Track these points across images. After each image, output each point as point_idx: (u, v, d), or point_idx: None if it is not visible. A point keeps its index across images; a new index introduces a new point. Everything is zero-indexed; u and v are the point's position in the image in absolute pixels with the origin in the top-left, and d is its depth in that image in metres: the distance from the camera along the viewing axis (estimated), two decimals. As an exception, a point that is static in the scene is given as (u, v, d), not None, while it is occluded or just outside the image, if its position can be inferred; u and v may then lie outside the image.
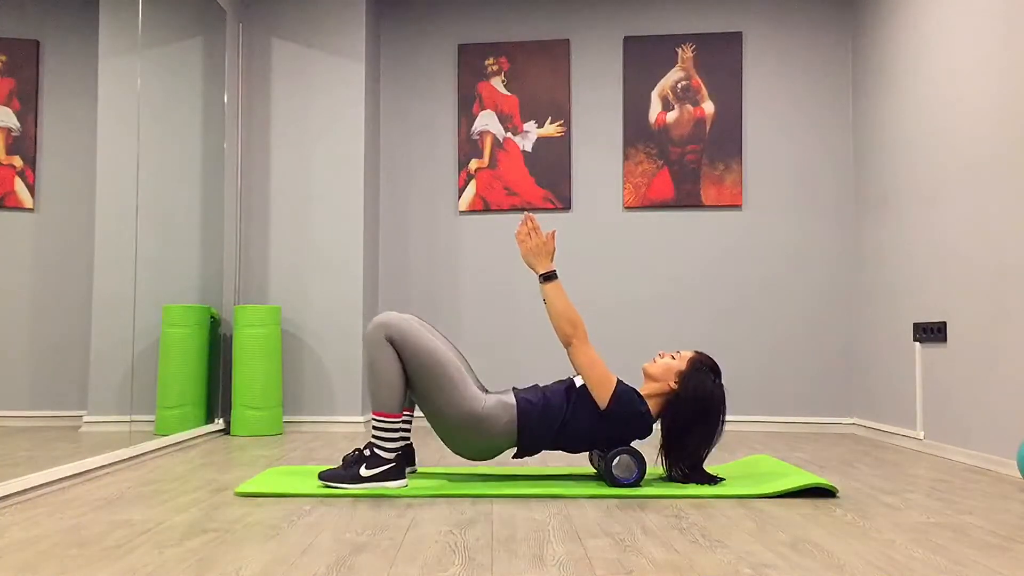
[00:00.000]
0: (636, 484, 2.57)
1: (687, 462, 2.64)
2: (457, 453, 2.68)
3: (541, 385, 2.74)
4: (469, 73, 4.71)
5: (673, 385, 2.64)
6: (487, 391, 2.65)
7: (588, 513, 2.24)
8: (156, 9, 3.53)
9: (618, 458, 2.57)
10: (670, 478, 2.68)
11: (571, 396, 2.63)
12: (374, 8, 4.69)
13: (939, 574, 1.66)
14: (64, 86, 2.95)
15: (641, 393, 2.66)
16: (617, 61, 4.67)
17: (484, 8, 4.75)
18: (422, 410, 2.65)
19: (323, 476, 2.58)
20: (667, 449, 2.66)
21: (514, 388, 2.71)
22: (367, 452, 2.58)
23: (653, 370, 2.68)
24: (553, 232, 2.67)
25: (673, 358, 2.68)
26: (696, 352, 2.70)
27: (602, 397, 2.57)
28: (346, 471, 2.57)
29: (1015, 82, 2.97)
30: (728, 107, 4.57)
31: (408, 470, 2.78)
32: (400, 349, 2.57)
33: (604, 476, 2.60)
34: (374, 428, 2.58)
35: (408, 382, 2.61)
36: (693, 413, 2.61)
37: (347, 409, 4.34)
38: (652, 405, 2.67)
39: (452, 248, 4.70)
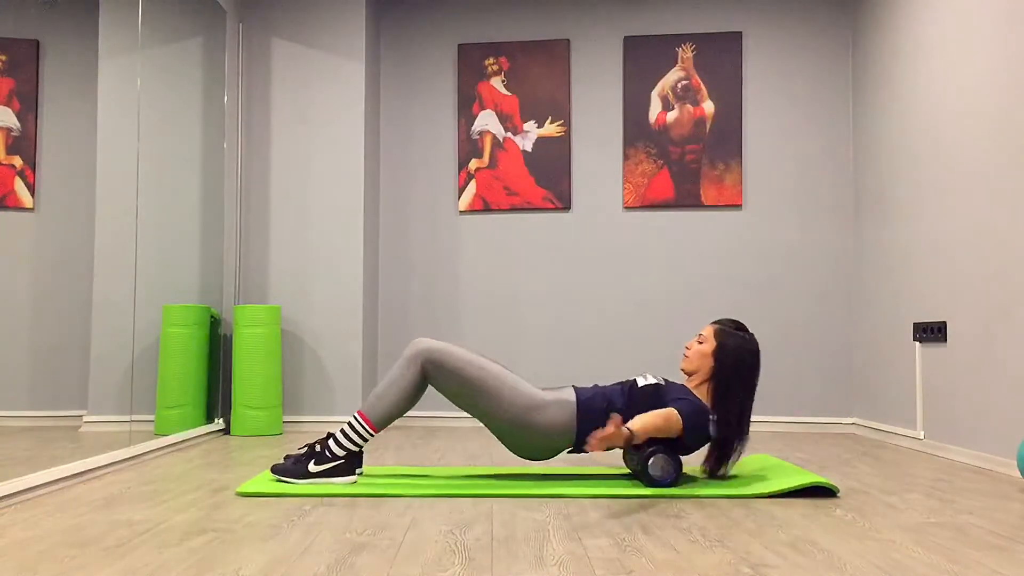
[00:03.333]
0: (673, 484, 2.57)
1: (735, 416, 2.63)
2: (519, 454, 2.73)
3: (600, 385, 2.78)
4: (469, 73, 4.71)
5: (713, 364, 2.66)
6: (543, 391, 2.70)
7: (588, 513, 2.24)
8: (156, 9, 3.53)
9: (653, 458, 2.57)
10: (717, 453, 2.66)
11: (634, 395, 2.66)
12: (374, 8, 4.69)
13: (939, 574, 1.66)
14: (64, 86, 2.95)
15: (690, 388, 2.70)
16: (617, 61, 4.67)
17: (484, 8, 4.75)
18: (485, 424, 2.70)
19: (274, 469, 2.65)
20: (716, 413, 2.65)
21: (574, 386, 2.75)
22: (317, 448, 2.64)
23: (690, 365, 2.72)
24: (614, 419, 2.38)
25: (700, 343, 2.71)
26: (713, 324, 2.74)
27: (677, 431, 2.55)
28: (295, 466, 2.62)
29: (1015, 82, 2.97)
30: (728, 107, 4.57)
31: (357, 470, 2.78)
32: (438, 370, 2.63)
33: (640, 476, 2.61)
34: (347, 425, 2.64)
35: (459, 400, 2.67)
36: (738, 373, 2.64)
37: (347, 409, 4.34)
38: (703, 393, 2.69)
39: (452, 248, 4.70)
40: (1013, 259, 2.97)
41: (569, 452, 2.73)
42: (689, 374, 2.73)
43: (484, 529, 2.04)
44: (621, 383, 2.74)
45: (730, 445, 2.66)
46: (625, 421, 2.64)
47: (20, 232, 2.85)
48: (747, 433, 2.67)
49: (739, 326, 2.72)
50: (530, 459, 2.74)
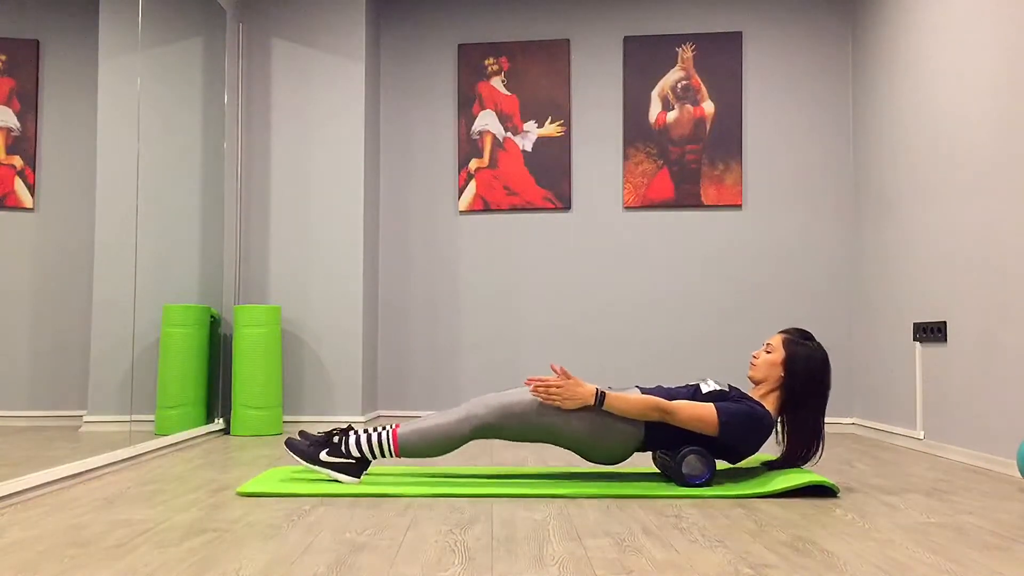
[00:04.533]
0: (706, 484, 2.57)
1: (808, 427, 2.64)
2: (597, 461, 2.71)
3: (665, 386, 2.77)
4: (469, 73, 4.71)
5: (782, 374, 2.66)
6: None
7: (588, 513, 2.24)
8: (156, 9, 3.53)
9: (688, 458, 2.57)
10: (786, 461, 2.68)
11: (697, 399, 2.65)
12: (374, 8, 4.69)
13: (939, 574, 1.66)
14: (64, 86, 2.95)
15: (756, 397, 2.69)
16: (617, 61, 4.67)
17: (484, 8, 4.75)
18: (559, 445, 2.69)
19: (288, 443, 2.66)
20: (789, 427, 2.66)
21: (638, 386, 2.73)
22: (336, 439, 2.64)
23: (757, 374, 2.70)
24: (562, 371, 2.60)
25: (768, 352, 2.70)
26: (781, 333, 2.73)
27: (711, 429, 2.56)
28: (309, 448, 2.64)
29: (1015, 82, 2.97)
30: (728, 107, 4.57)
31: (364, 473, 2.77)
32: (498, 433, 2.64)
33: (672, 475, 2.60)
34: (375, 432, 2.62)
35: (529, 439, 2.67)
36: (810, 383, 2.64)
37: (347, 409, 4.34)
38: (770, 403, 2.68)
39: (452, 248, 4.70)
40: (1013, 259, 2.97)
41: (640, 451, 2.72)
42: (756, 383, 2.71)
43: (484, 529, 2.04)
44: (686, 386, 2.74)
45: (804, 455, 2.66)
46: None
47: (20, 232, 2.85)
48: (821, 444, 2.67)
49: (807, 335, 2.71)
50: (609, 463, 2.72)
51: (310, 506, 2.32)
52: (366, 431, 2.65)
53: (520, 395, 2.65)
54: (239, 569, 1.66)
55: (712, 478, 2.58)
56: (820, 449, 2.67)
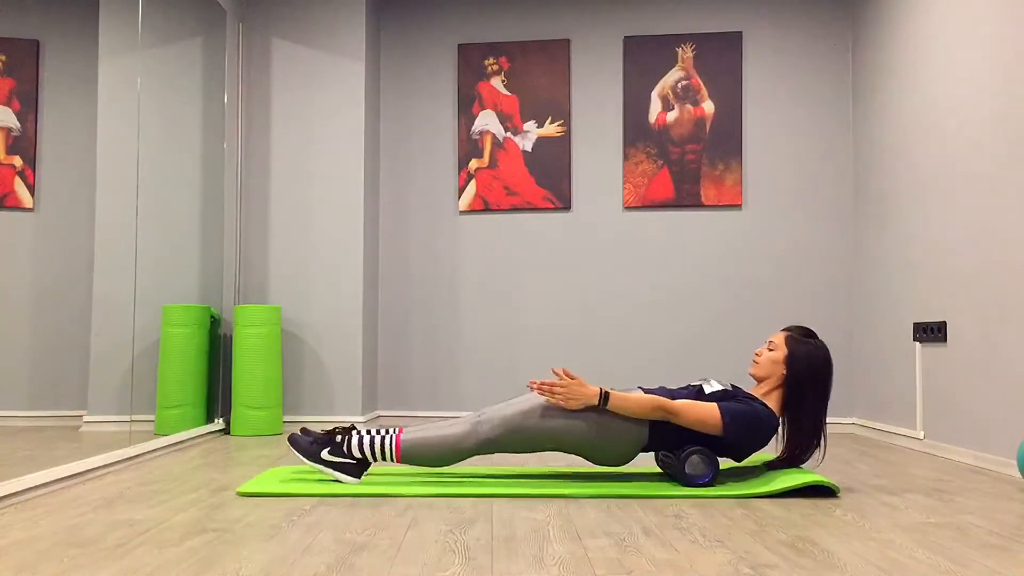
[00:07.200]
0: (710, 483, 2.57)
1: (808, 423, 2.64)
2: (604, 464, 2.71)
3: (668, 388, 2.77)
4: (469, 73, 4.71)
5: (784, 372, 2.67)
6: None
7: (588, 513, 2.24)
8: (156, 9, 3.53)
9: (691, 458, 2.57)
10: (787, 459, 2.69)
11: (700, 400, 2.65)
12: (374, 8, 4.69)
13: (939, 574, 1.66)
14: (64, 86, 2.95)
15: (759, 395, 2.70)
16: (617, 61, 4.67)
17: (484, 8, 4.75)
18: (565, 452, 2.69)
19: (291, 439, 2.67)
20: (790, 424, 2.67)
21: (640, 387, 2.75)
22: (338, 439, 2.64)
23: (760, 371, 2.71)
24: (564, 372, 2.61)
25: (770, 350, 2.71)
26: (784, 331, 2.74)
27: (715, 429, 2.57)
28: (311, 446, 2.64)
29: (1015, 82, 2.97)
30: (728, 107, 4.57)
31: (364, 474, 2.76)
32: (503, 448, 2.64)
33: (676, 475, 2.61)
34: (378, 434, 2.62)
35: (535, 449, 2.67)
36: (811, 381, 2.65)
37: (347, 409, 4.34)
38: (772, 401, 2.68)
39: (452, 248, 4.70)
40: (1013, 259, 2.97)
41: (643, 451, 2.72)
42: (759, 380, 2.72)
43: (484, 529, 2.04)
44: (688, 387, 2.74)
45: (804, 453, 2.66)
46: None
47: (20, 232, 2.85)
48: (822, 442, 2.67)
49: (809, 333, 2.71)
50: (615, 464, 2.72)
51: (310, 506, 2.32)
52: (369, 432, 2.65)
53: (524, 403, 2.65)
54: (239, 569, 1.66)
55: (715, 478, 2.58)
56: (822, 447, 2.68)
